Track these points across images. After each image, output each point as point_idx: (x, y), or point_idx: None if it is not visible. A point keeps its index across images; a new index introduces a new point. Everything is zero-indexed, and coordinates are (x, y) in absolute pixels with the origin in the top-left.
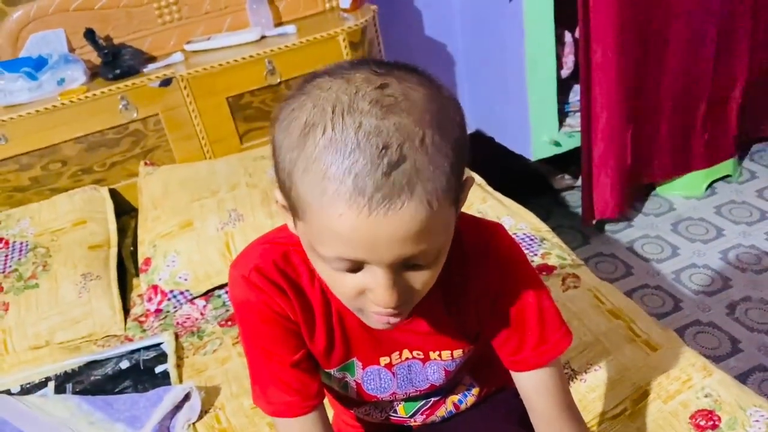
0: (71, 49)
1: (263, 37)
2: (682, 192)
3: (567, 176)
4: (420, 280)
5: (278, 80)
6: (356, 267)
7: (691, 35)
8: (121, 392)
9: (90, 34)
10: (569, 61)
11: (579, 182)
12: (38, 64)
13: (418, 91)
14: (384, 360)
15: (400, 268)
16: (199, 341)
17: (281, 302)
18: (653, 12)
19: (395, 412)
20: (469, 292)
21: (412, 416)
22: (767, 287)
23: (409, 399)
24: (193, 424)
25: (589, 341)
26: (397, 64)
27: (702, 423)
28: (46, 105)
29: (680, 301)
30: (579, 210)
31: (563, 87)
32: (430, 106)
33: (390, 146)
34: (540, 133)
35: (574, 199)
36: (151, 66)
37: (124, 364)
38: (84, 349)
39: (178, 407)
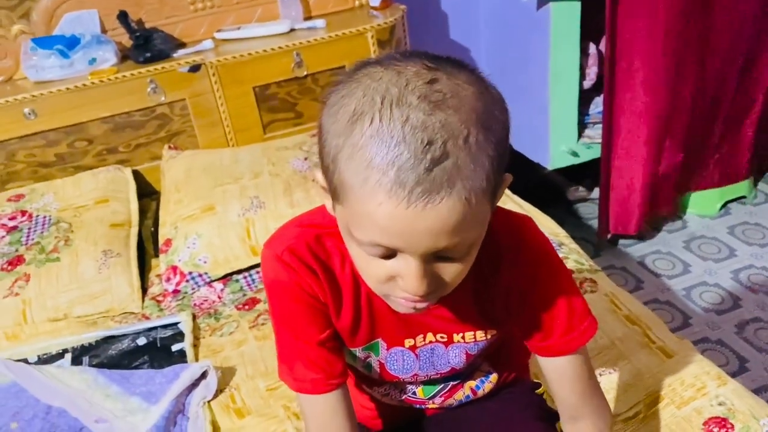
0: (103, 31)
1: (292, 30)
2: (695, 210)
3: (581, 188)
4: (450, 272)
5: (305, 73)
6: (389, 254)
7: (717, 54)
8: (137, 368)
9: (123, 17)
10: (592, 72)
11: (593, 194)
12: (71, 42)
13: (466, 90)
14: (408, 342)
15: (432, 258)
16: (215, 323)
17: (312, 282)
18: (682, 29)
19: (414, 393)
20: (498, 282)
21: (430, 398)
22: None
23: (428, 382)
24: (208, 402)
25: (605, 345)
26: (448, 59)
27: (715, 430)
28: (77, 83)
29: (689, 318)
30: (591, 222)
31: (584, 98)
32: (477, 104)
33: (434, 142)
34: (558, 142)
35: (587, 210)
36: (181, 51)
37: (141, 341)
38: (101, 324)
39: (194, 385)
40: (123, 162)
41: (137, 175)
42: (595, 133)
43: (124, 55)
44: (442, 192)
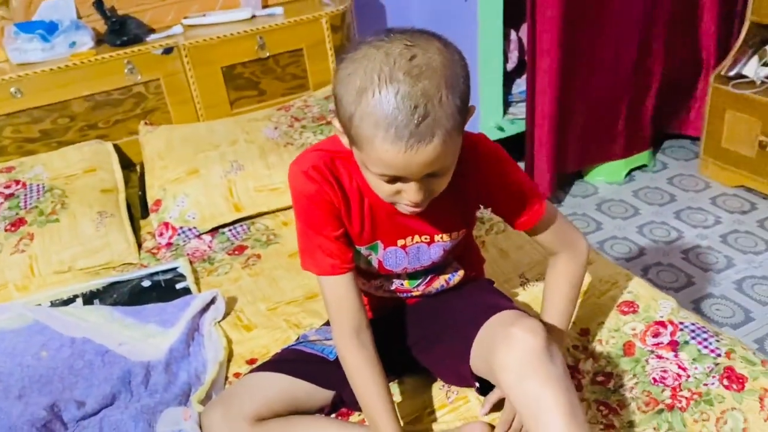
0: (78, 17)
1: (254, 17)
2: (605, 178)
3: None
4: (438, 183)
5: (267, 54)
6: (395, 179)
7: (619, 39)
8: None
9: (99, 4)
10: (513, 56)
11: None
12: (51, 28)
13: (436, 60)
14: (400, 242)
15: (424, 178)
16: (210, 266)
17: (330, 191)
18: (588, 17)
19: (402, 284)
20: (468, 185)
21: (415, 287)
22: (675, 254)
23: (413, 275)
24: (218, 322)
25: (539, 259)
26: (421, 34)
27: (625, 309)
28: (59, 64)
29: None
30: None
31: (507, 79)
32: (445, 71)
33: (419, 106)
34: (487, 119)
35: None
36: (153, 36)
37: (146, 284)
38: (104, 274)
39: (203, 310)
40: (103, 137)
41: (116, 149)
42: (518, 110)
43: (99, 40)
44: (428, 138)
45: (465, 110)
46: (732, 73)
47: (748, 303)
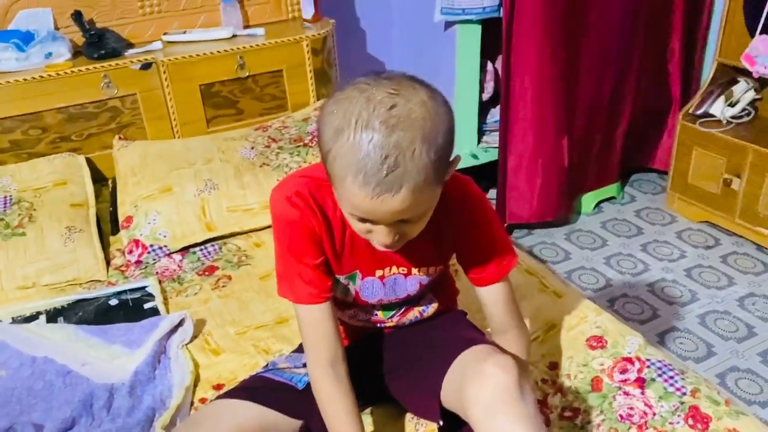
0: (56, 28)
1: (234, 36)
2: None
3: None
4: (410, 228)
5: (246, 74)
6: (365, 220)
7: (592, 74)
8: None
9: (78, 16)
10: (489, 87)
11: (488, 195)
12: (26, 38)
13: (416, 112)
14: (378, 272)
15: (395, 223)
16: (179, 286)
17: (312, 219)
18: (563, 53)
19: (376, 314)
20: (449, 225)
21: (389, 318)
22: (641, 287)
23: (387, 306)
24: (186, 345)
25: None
26: (410, 81)
27: (594, 344)
28: (33, 75)
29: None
30: None
31: (483, 109)
32: (425, 124)
33: (389, 156)
34: (462, 146)
35: None
36: (131, 51)
37: (113, 302)
38: (70, 291)
39: (171, 332)
40: (75, 150)
41: (88, 162)
42: (492, 139)
43: (76, 52)
44: (394, 189)
45: (442, 164)
46: (699, 112)
47: (710, 337)
